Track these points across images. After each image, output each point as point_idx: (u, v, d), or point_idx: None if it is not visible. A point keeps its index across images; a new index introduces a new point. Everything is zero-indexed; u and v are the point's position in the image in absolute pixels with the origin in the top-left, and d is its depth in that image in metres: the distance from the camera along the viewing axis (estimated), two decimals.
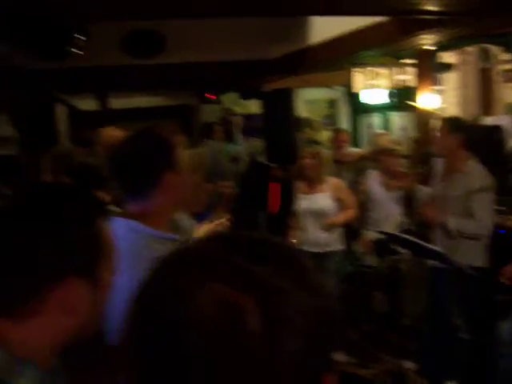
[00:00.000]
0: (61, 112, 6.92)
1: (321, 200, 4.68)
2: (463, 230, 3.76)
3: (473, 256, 3.78)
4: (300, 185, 4.85)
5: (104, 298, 1.05)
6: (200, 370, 0.56)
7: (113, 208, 2.00)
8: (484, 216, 3.73)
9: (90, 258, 1.00)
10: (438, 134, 4.03)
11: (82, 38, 4.25)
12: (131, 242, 1.55)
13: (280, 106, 6.34)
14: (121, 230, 1.41)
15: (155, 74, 6.46)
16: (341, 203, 4.72)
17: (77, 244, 0.98)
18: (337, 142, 6.22)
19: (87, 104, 7.84)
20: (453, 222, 3.76)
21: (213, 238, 0.68)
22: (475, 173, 3.80)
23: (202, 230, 2.55)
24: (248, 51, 6.29)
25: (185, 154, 1.75)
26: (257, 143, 8.03)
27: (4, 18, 3.26)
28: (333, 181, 4.82)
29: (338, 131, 6.61)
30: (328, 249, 4.70)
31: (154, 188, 1.63)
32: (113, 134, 3.40)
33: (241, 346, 0.56)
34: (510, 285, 3.71)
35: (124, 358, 0.63)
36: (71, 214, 1.00)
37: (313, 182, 4.73)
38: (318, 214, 4.68)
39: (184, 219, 2.75)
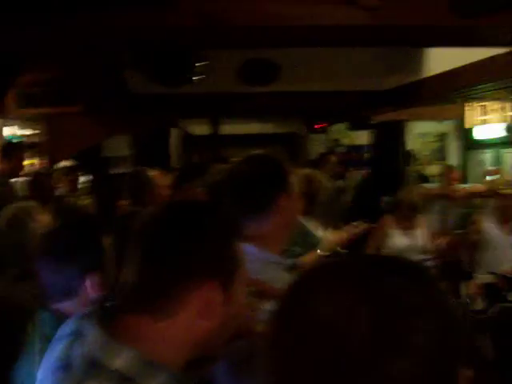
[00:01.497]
0: (174, 135, 7.24)
1: (420, 237, 4.61)
2: None
3: None
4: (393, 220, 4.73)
5: (232, 317, 1.05)
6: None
7: None
8: None
9: (231, 267, 1.03)
10: None
11: (203, 65, 4.43)
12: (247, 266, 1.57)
13: (391, 138, 6.25)
14: None
15: (267, 101, 6.60)
16: None
17: (223, 251, 1.03)
18: (447, 179, 6.08)
19: (199, 129, 8.15)
20: None
21: (353, 255, 0.72)
22: None
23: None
24: (360, 82, 6.27)
25: (296, 178, 1.77)
26: (359, 175, 7.95)
27: (139, 48, 3.47)
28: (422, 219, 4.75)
29: (449, 168, 6.49)
30: None
31: (268, 210, 1.64)
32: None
33: (345, 345, 0.60)
34: None
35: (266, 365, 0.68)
36: (219, 225, 1.06)
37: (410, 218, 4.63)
38: (418, 252, 4.54)
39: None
